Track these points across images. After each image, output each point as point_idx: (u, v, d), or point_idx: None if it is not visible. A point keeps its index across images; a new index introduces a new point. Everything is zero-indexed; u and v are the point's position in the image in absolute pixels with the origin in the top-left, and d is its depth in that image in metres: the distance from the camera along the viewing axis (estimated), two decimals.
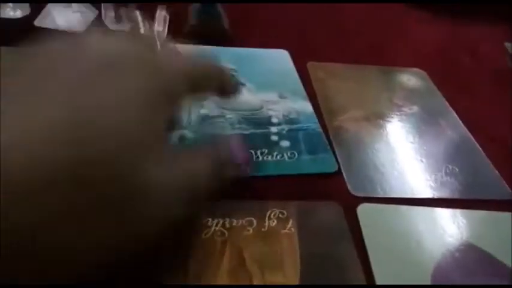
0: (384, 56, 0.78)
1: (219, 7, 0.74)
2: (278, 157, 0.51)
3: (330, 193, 0.48)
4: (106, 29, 0.69)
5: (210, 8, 0.73)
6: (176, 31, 0.71)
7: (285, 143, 0.53)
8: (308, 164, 0.51)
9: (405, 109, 0.64)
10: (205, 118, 0.55)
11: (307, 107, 0.60)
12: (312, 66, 0.70)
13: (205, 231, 0.41)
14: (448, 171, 0.53)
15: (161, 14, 0.73)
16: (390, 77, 0.72)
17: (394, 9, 0.95)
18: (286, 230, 0.43)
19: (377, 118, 0.61)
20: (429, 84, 0.72)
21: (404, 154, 0.55)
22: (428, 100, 0.67)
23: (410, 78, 0.72)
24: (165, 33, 0.70)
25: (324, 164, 0.51)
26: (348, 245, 0.42)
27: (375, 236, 0.44)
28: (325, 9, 0.90)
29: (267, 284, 0.38)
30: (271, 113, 0.58)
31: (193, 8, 0.73)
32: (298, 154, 0.51)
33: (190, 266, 0.38)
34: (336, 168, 0.51)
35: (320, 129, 0.56)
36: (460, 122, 0.63)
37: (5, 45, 0.61)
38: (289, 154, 0.51)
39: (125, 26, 0.70)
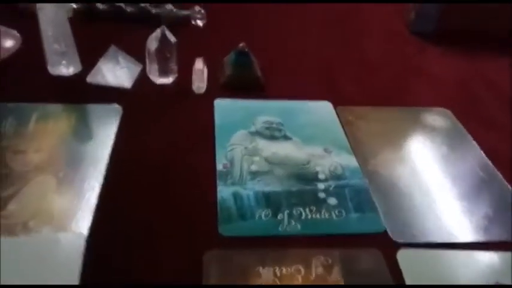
0: (407, 94, 0.82)
1: (252, 57, 0.79)
2: (326, 215, 0.54)
3: (369, 238, 0.52)
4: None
5: (243, 58, 0.78)
6: (213, 81, 0.77)
7: (332, 201, 0.56)
8: (356, 223, 0.53)
9: (435, 150, 0.67)
10: (255, 174, 0.59)
11: (351, 161, 0.63)
12: (341, 110, 0.74)
13: (257, 279, 0.45)
14: (482, 213, 0.56)
15: (199, 66, 0.79)
16: (416, 118, 0.75)
17: (413, 43, 0.99)
18: (332, 278, 0.46)
19: (408, 160, 0.65)
20: (455, 123, 0.74)
21: (439, 196, 0.58)
22: (455, 140, 0.70)
23: (435, 118, 0.75)
24: (205, 84, 0.76)
25: (372, 224, 0.53)
26: None
27: (415, 280, 0.46)
28: (345, 44, 0.95)
29: None
30: (317, 168, 0.61)
31: (228, 59, 0.79)
32: (345, 212, 0.54)
33: None
34: (385, 229, 0.52)
35: (366, 185, 0.59)
36: (489, 161, 0.66)
37: (60, 102, 0.68)
38: (336, 212, 0.54)
39: (169, 79, 0.75)
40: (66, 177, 0.54)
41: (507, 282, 0.47)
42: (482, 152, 0.68)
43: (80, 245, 0.46)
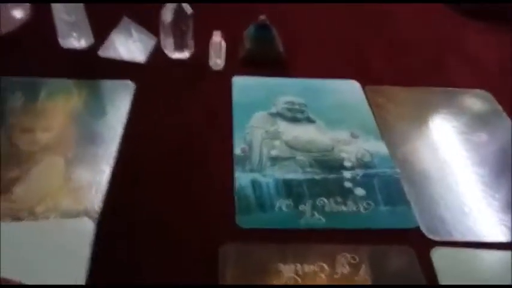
0: (443, 74, 0.75)
1: (273, 30, 0.74)
2: (353, 208, 0.49)
3: (401, 234, 0.47)
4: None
5: (264, 31, 0.73)
6: (232, 56, 0.72)
7: (360, 191, 0.51)
8: (386, 217, 0.48)
9: (472, 137, 0.62)
10: (276, 160, 0.54)
11: (380, 147, 0.57)
12: (370, 91, 0.69)
13: (277, 277, 0.41)
14: None
15: (216, 40, 0.74)
16: (453, 100, 0.69)
17: (450, 20, 0.91)
18: (359, 278, 0.42)
19: (443, 148, 0.59)
20: (495, 107, 0.68)
21: (477, 190, 0.53)
22: (496, 126, 0.64)
23: (475, 102, 0.69)
24: (223, 60, 0.71)
25: (402, 218, 0.49)
26: None
27: (450, 282, 0.42)
28: (377, 23, 0.87)
29: None
30: (343, 155, 0.56)
31: (248, 32, 0.73)
32: (374, 205, 0.50)
33: None
34: (417, 225, 0.48)
35: (398, 175, 0.54)
36: None
37: (71, 77, 0.64)
38: (364, 205, 0.49)
39: (185, 54, 0.71)
40: (75, 158, 0.51)
41: None
42: None
43: (89, 233, 0.43)
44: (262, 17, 0.72)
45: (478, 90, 0.71)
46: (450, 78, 0.74)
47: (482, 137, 0.62)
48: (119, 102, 0.60)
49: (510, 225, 0.49)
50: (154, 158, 0.53)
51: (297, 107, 0.64)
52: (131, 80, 0.64)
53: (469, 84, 0.73)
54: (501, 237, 0.47)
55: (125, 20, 0.72)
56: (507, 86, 0.74)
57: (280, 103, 0.64)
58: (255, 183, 0.51)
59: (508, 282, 0.43)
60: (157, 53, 0.71)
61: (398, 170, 0.54)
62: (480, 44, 0.84)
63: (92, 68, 0.67)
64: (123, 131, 0.55)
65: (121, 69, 0.67)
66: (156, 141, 0.56)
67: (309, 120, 0.62)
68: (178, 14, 0.67)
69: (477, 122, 0.65)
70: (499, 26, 0.89)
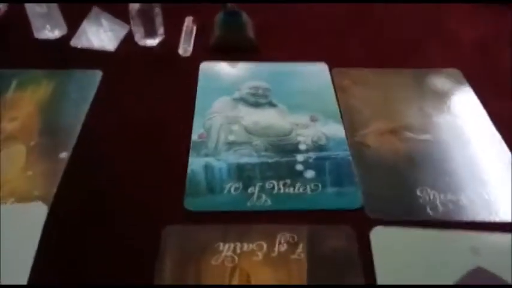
0: (418, 55, 0.75)
1: (244, 16, 0.74)
2: (300, 189, 0.50)
3: (344, 215, 0.48)
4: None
5: (235, 18, 0.73)
6: (202, 43, 0.73)
7: (310, 173, 0.52)
8: (331, 198, 0.49)
9: (436, 119, 0.61)
10: (232, 145, 0.55)
11: (338, 131, 0.58)
12: (337, 73, 0.69)
13: (216, 256, 0.43)
14: (475, 190, 0.51)
15: (188, 27, 0.75)
16: (422, 82, 0.68)
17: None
18: (295, 256, 0.43)
19: (404, 130, 0.59)
20: (463, 87, 0.67)
21: (429, 172, 0.53)
22: (461, 106, 0.64)
23: (444, 82, 0.68)
24: (191, 47, 0.72)
25: (348, 199, 0.49)
26: (356, 272, 0.43)
27: (386, 262, 0.43)
28: (355, 7, 0.86)
29: None
30: (300, 138, 0.57)
31: (218, 18, 0.74)
32: (322, 186, 0.50)
33: None
34: (361, 204, 0.49)
35: (350, 157, 0.54)
36: (496, 131, 0.59)
37: (44, 67, 0.66)
38: (312, 186, 0.50)
39: (155, 41, 0.72)
40: (36, 146, 0.53)
41: (490, 267, 0.43)
42: (490, 120, 0.61)
43: (41, 216, 0.45)
44: (230, 4, 0.72)
45: (449, 70, 0.71)
46: (424, 59, 0.74)
47: (446, 118, 0.62)
48: (85, 91, 0.62)
49: (456, 205, 0.49)
50: (113, 144, 0.56)
51: (260, 91, 0.65)
52: (100, 68, 0.66)
53: (441, 64, 0.72)
54: (445, 217, 0.48)
55: (95, 10, 0.73)
56: (479, 64, 0.73)
57: (245, 88, 0.65)
58: (207, 168, 0.52)
59: (445, 262, 0.43)
60: (127, 41, 0.73)
61: (350, 153, 0.55)
62: (458, 25, 0.82)
63: (64, 58, 0.70)
64: (85, 119, 0.58)
65: (92, 58, 0.69)
66: (115, 128, 0.58)
67: (271, 105, 0.63)
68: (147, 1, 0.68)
69: (443, 102, 0.64)
70: (479, 6, 0.87)
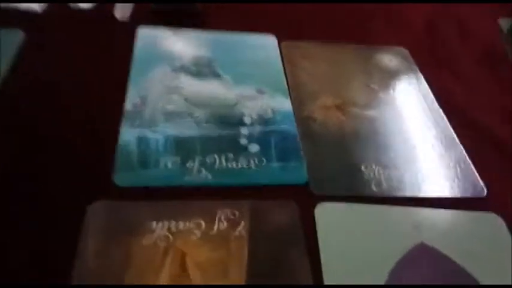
0: (367, 31, 0.74)
1: None
2: (244, 164, 0.47)
3: (288, 190, 0.46)
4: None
5: None
6: (143, 7, 0.67)
7: (254, 148, 0.49)
8: (275, 173, 0.47)
9: (381, 94, 0.61)
10: (170, 115, 0.51)
11: (285, 104, 0.55)
12: (286, 46, 0.66)
13: (148, 235, 0.39)
14: (417, 165, 0.50)
15: None
16: (369, 58, 0.67)
17: None
18: (236, 233, 0.41)
19: (349, 106, 0.58)
20: (410, 65, 0.67)
21: (374, 147, 0.52)
22: (407, 83, 0.63)
23: (390, 59, 0.68)
24: (130, 10, 0.66)
25: (293, 174, 0.47)
26: (300, 249, 0.40)
27: (330, 238, 0.42)
28: None
29: None
30: (244, 110, 0.53)
31: None
32: (266, 161, 0.48)
33: (127, 274, 0.36)
34: (306, 180, 0.46)
35: (296, 132, 0.52)
36: (440, 109, 0.59)
37: None
38: (256, 161, 0.47)
39: (89, 4, 0.65)
40: None
41: (433, 242, 0.42)
42: (433, 97, 0.61)
43: None
44: None
45: (396, 48, 0.70)
46: (372, 36, 0.73)
47: (391, 94, 0.61)
48: (4, 52, 0.55)
49: (399, 181, 0.48)
50: (34, 111, 0.49)
51: (204, 61, 0.60)
52: (23, 29, 0.59)
53: (389, 41, 0.71)
54: (388, 193, 0.47)
55: None
56: (426, 43, 0.73)
57: (187, 57, 0.61)
58: (141, 140, 0.48)
59: (388, 237, 0.43)
60: (57, 3, 0.65)
61: (296, 127, 0.52)
62: (410, 5, 0.82)
63: None
64: (2, 82, 0.51)
65: (14, 18, 0.61)
66: (38, 95, 0.51)
67: (216, 75, 0.59)
68: None
69: (389, 79, 0.64)
70: None
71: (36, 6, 0.63)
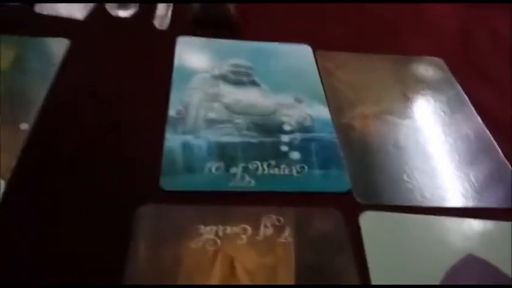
0: (401, 42, 0.74)
1: None
2: (286, 171, 0.47)
3: (331, 198, 0.46)
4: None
5: None
6: (182, 17, 0.68)
7: (295, 155, 0.49)
8: (317, 181, 0.47)
9: (419, 104, 0.60)
10: (212, 122, 0.52)
11: (323, 112, 0.56)
12: (321, 55, 0.66)
13: (197, 239, 0.39)
14: (463, 176, 0.50)
15: None
16: (404, 68, 0.67)
17: None
18: (282, 239, 0.41)
19: (388, 115, 0.58)
20: (446, 75, 0.67)
21: (416, 157, 0.52)
22: (445, 93, 0.63)
23: (426, 69, 0.68)
24: (168, 19, 0.67)
25: (335, 182, 0.47)
26: (347, 256, 0.40)
27: (376, 246, 0.41)
28: None
29: None
30: (284, 118, 0.54)
31: None
32: (308, 168, 0.48)
33: (179, 276, 0.37)
34: (349, 188, 0.46)
35: (336, 140, 0.52)
36: (479, 118, 0.59)
37: (6, 33, 0.60)
38: (298, 168, 0.48)
39: (128, 12, 0.67)
40: None
41: (481, 253, 0.42)
42: (472, 107, 0.61)
43: None
44: None
45: (430, 57, 0.70)
46: (406, 46, 0.73)
47: (430, 103, 0.61)
48: (50, 60, 0.56)
49: (445, 191, 0.48)
50: (79, 118, 0.50)
51: (242, 70, 0.61)
52: (67, 37, 0.61)
53: (424, 52, 0.71)
54: (434, 203, 0.47)
55: None
56: (461, 54, 0.73)
57: (225, 66, 0.61)
58: (185, 145, 0.48)
59: (435, 248, 0.42)
60: (99, 10, 0.67)
61: (336, 135, 0.52)
62: (440, 14, 0.83)
63: (28, 25, 0.63)
64: (50, 89, 0.52)
65: (57, 26, 0.63)
66: (84, 100, 0.53)
67: (254, 84, 0.59)
68: None
69: (426, 88, 0.63)
70: None
71: (78, 14, 0.65)
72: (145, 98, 0.54)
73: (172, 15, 0.68)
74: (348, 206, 0.45)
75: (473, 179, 0.50)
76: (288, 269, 0.38)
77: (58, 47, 0.58)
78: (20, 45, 0.58)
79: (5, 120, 0.47)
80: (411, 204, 0.46)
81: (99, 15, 0.66)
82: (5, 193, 0.41)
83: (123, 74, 0.58)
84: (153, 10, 0.68)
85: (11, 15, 0.64)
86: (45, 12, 0.65)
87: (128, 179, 0.45)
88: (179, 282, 0.36)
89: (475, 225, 0.44)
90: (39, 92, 0.51)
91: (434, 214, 0.45)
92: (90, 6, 0.67)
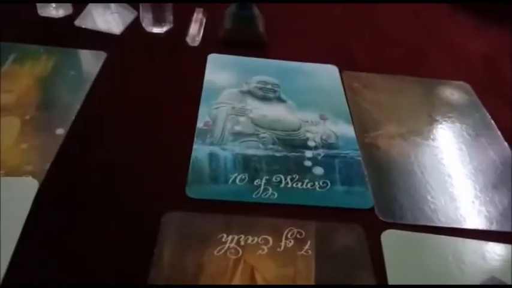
0: (425, 65, 0.74)
1: (255, 11, 0.73)
2: (309, 185, 0.48)
3: (353, 214, 0.46)
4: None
5: (245, 12, 0.72)
6: (212, 35, 0.71)
7: (319, 170, 0.50)
8: (340, 196, 0.47)
9: (445, 126, 0.60)
10: (238, 135, 0.53)
11: (348, 130, 0.56)
12: (347, 76, 0.68)
13: (219, 247, 0.40)
14: (487, 199, 0.49)
15: (198, 17, 0.73)
16: (431, 90, 0.67)
17: (437, 12, 0.90)
18: (302, 252, 0.41)
19: (413, 135, 0.58)
20: (473, 99, 0.67)
21: (440, 178, 0.51)
22: (471, 117, 0.63)
23: (453, 92, 0.68)
24: (200, 37, 0.70)
25: (358, 198, 0.47)
26: (367, 273, 0.40)
27: (398, 265, 0.41)
28: (365, 12, 0.86)
29: None
30: (308, 135, 0.55)
31: (229, 11, 0.72)
32: (331, 184, 0.48)
33: (200, 283, 0.37)
34: (372, 205, 0.47)
35: (360, 158, 0.52)
36: (505, 143, 0.58)
37: (46, 44, 0.63)
38: (321, 183, 0.48)
39: (163, 29, 0.70)
40: (32, 120, 0.50)
41: (504, 278, 0.41)
42: (498, 131, 0.60)
43: (31, 192, 0.42)
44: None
45: (457, 82, 0.70)
46: (431, 70, 0.73)
47: (456, 126, 0.61)
48: (88, 70, 0.60)
49: (468, 213, 0.47)
50: (112, 126, 0.53)
51: (269, 86, 0.63)
52: (104, 50, 0.64)
53: (449, 76, 0.71)
54: (456, 224, 0.46)
55: None
56: (487, 79, 0.72)
57: (253, 82, 0.63)
58: (212, 156, 0.50)
59: (457, 270, 0.42)
60: (135, 26, 0.70)
61: (360, 153, 0.53)
62: (465, 38, 0.83)
63: (67, 37, 0.67)
64: (86, 97, 0.55)
65: (95, 39, 0.66)
66: (117, 110, 0.55)
67: (280, 100, 0.61)
68: None
69: (452, 111, 0.63)
70: (486, 21, 0.88)
71: (115, 29, 0.69)
72: (175, 111, 0.56)
73: (204, 34, 0.71)
74: (370, 223, 0.45)
75: (497, 202, 0.49)
76: (307, 281, 0.39)
77: (95, 59, 0.61)
78: (59, 56, 0.61)
79: (42, 125, 0.50)
80: (434, 224, 0.46)
81: (135, 31, 0.69)
82: (38, 194, 0.43)
83: (156, 87, 0.60)
84: (186, 28, 0.70)
85: (54, 27, 0.68)
86: (84, 26, 0.69)
87: (157, 187, 0.46)
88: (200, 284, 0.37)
89: (498, 248, 0.43)
90: (75, 99, 0.54)
91: (456, 236, 0.44)
92: (127, 22, 0.71)
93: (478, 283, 0.40)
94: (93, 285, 0.38)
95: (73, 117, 0.51)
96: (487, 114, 0.64)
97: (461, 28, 0.85)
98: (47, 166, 0.45)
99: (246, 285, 0.38)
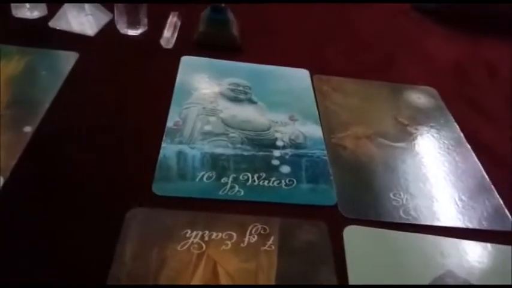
0: (395, 70, 0.76)
1: (230, 15, 0.74)
2: (275, 183, 0.49)
3: (317, 211, 0.47)
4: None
5: (220, 15, 0.73)
6: (187, 38, 0.72)
7: (286, 169, 0.51)
8: (305, 194, 0.49)
9: (410, 129, 0.62)
10: (208, 135, 0.54)
11: (316, 131, 0.58)
12: (318, 79, 0.69)
13: (183, 242, 0.41)
14: (447, 196, 0.51)
15: (173, 20, 0.74)
16: (398, 95, 0.69)
17: (411, 19, 0.93)
18: (266, 247, 0.42)
19: (379, 137, 0.59)
20: (439, 103, 0.69)
21: (403, 177, 0.53)
22: (435, 120, 0.65)
23: (419, 97, 0.70)
24: (174, 39, 0.71)
25: (322, 196, 0.49)
26: (328, 268, 0.41)
27: (358, 260, 0.42)
28: (339, 17, 0.89)
29: None
30: (277, 135, 0.56)
31: (203, 15, 0.74)
32: (297, 182, 0.50)
33: (161, 276, 0.38)
34: (335, 202, 0.48)
35: (326, 157, 0.54)
36: (467, 144, 0.61)
37: (20, 45, 0.63)
38: (287, 181, 0.49)
39: (137, 31, 0.71)
40: (1, 118, 0.50)
41: (459, 272, 0.42)
42: (462, 134, 0.62)
43: None
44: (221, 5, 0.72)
45: (424, 87, 0.72)
46: (400, 75, 0.75)
47: (420, 129, 0.63)
48: (59, 70, 0.60)
49: (430, 211, 0.49)
50: (81, 125, 0.53)
51: (241, 88, 0.64)
52: (77, 51, 0.64)
53: (418, 81, 0.74)
54: (418, 221, 0.48)
55: None
56: (456, 85, 0.75)
57: (225, 84, 0.64)
58: (180, 154, 0.51)
59: (414, 264, 0.43)
60: (109, 28, 0.71)
61: (327, 153, 0.54)
62: (437, 45, 0.86)
63: (41, 38, 0.67)
64: (55, 97, 0.55)
65: (69, 40, 0.67)
66: (87, 110, 0.56)
67: (251, 102, 0.62)
68: None
69: (418, 115, 0.65)
70: (458, 29, 0.91)
71: (89, 31, 0.69)
72: (146, 110, 0.57)
73: (178, 37, 0.72)
74: (334, 220, 0.46)
75: (457, 200, 0.51)
76: (269, 275, 0.39)
77: (67, 59, 0.62)
78: (32, 56, 0.61)
79: (10, 123, 0.50)
80: (395, 220, 0.47)
81: (109, 33, 0.70)
82: (2, 190, 0.43)
83: (127, 87, 0.61)
84: (160, 31, 0.71)
85: (28, 28, 0.68)
86: (58, 28, 0.69)
87: (123, 184, 0.47)
88: (161, 282, 0.37)
89: (455, 244, 0.45)
90: (45, 98, 0.54)
91: (417, 231, 0.46)
92: (101, 24, 0.71)
93: (436, 277, 0.42)
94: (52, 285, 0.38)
95: (42, 116, 0.51)
96: (452, 118, 0.66)
97: (433, 36, 0.88)
98: (13, 163, 0.45)
99: (208, 285, 0.38)
